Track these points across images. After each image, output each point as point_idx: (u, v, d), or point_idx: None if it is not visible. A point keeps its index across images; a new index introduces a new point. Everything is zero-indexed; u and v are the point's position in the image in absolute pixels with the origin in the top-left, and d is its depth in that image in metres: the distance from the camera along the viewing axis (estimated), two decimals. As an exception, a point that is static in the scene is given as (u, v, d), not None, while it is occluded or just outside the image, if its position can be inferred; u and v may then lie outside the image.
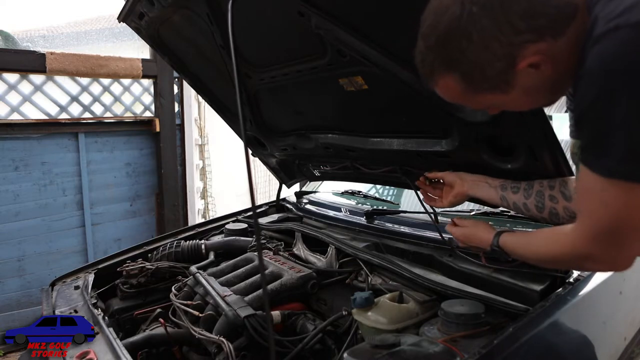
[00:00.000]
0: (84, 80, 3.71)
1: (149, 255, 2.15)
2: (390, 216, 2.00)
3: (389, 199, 2.38)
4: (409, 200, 2.17)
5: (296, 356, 1.39)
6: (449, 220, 1.38)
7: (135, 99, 4.02)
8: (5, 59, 3.27)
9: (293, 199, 2.67)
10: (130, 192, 4.09)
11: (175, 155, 4.22)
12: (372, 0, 1.19)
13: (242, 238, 2.22)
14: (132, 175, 4.08)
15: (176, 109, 4.23)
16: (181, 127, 4.29)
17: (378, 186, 2.48)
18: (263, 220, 2.42)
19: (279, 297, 1.64)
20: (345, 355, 1.09)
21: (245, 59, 1.76)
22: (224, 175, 4.82)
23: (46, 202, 3.61)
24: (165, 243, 2.20)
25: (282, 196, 2.66)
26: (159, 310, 1.86)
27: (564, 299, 1.24)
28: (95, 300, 1.78)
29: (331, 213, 2.26)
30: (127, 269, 1.98)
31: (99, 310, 1.67)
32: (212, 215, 4.67)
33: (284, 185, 2.59)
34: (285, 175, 2.53)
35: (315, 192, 2.69)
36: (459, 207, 1.70)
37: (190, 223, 4.27)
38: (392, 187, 2.37)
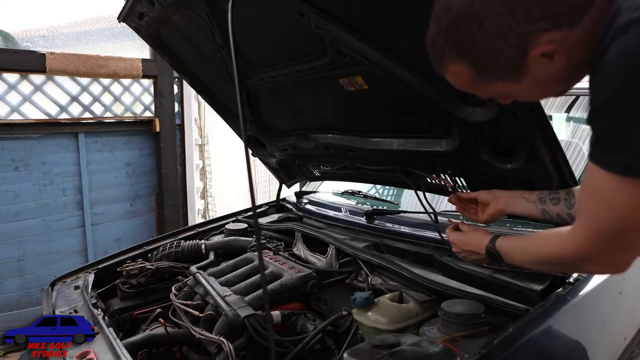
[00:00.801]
0: (84, 80, 3.71)
1: (149, 255, 2.14)
2: (390, 216, 2.00)
3: (389, 199, 2.37)
4: (409, 200, 2.16)
5: (296, 356, 1.39)
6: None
7: (135, 99, 4.03)
8: (5, 59, 3.27)
9: (293, 199, 2.66)
10: (130, 192, 4.09)
11: (175, 155, 4.22)
12: (372, 0, 1.19)
13: (242, 238, 2.22)
14: (132, 175, 4.08)
15: (176, 109, 4.23)
16: (181, 127, 4.29)
17: (378, 186, 2.48)
18: (263, 220, 2.41)
19: (279, 297, 1.64)
20: (345, 355, 1.09)
21: (245, 59, 1.76)
22: (224, 175, 4.83)
23: (46, 202, 3.61)
24: (165, 243, 2.20)
25: (282, 196, 2.66)
26: (159, 310, 1.86)
27: (564, 299, 1.24)
28: (95, 300, 1.78)
29: (331, 213, 2.25)
30: (127, 269, 1.98)
31: (99, 310, 1.67)
32: (212, 215, 4.67)
33: (284, 185, 2.59)
34: (285, 175, 2.53)
35: (315, 192, 2.68)
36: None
37: (190, 223, 4.27)
38: (392, 187, 2.36)
